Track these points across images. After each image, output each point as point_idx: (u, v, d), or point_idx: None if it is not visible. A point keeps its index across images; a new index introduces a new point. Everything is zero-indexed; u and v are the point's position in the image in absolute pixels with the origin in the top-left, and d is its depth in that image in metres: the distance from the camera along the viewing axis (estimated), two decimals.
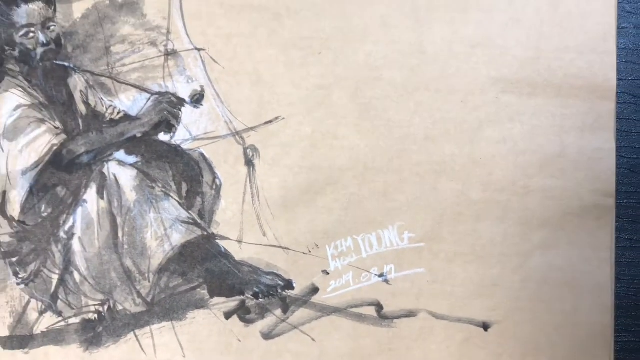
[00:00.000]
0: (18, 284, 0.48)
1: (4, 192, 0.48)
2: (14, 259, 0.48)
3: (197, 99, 0.49)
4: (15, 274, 0.48)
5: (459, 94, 0.49)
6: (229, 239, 0.49)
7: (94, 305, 0.49)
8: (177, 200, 0.49)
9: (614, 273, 0.50)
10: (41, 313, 0.48)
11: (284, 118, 0.49)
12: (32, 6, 0.49)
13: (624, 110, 0.52)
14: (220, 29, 0.49)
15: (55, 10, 0.50)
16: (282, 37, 0.49)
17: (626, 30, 0.52)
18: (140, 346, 0.48)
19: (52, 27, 0.49)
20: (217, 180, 0.49)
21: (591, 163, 0.49)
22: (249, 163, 0.49)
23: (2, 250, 0.48)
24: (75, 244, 0.48)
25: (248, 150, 0.49)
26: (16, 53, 0.49)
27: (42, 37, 0.49)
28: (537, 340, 0.49)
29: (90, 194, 0.48)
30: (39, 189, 0.48)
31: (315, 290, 0.49)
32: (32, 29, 0.49)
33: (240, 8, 0.49)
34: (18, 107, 0.49)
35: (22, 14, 0.49)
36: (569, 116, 0.49)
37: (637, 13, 0.52)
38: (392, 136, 0.49)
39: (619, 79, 0.52)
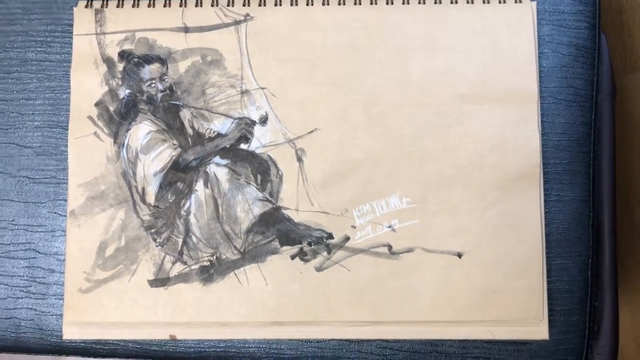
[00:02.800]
0: (156, 246, 0.60)
1: (143, 188, 0.60)
2: (152, 230, 0.60)
3: (264, 121, 0.60)
4: (154, 239, 0.60)
5: (433, 107, 0.61)
6: (290, 208, 0.60)
7: (207, 256, 0.60)
8: (255, 187, 0.60)
9: (544, 217, 0.61)
10: (173, 263, 0.60)
11: (320, 129, 0.60)
12: (152, 66, 0.61)
13: (549, 107, 0.64)
14: (275, 74, 0.61)
15: (167, 68, 0.61)
16: (316, 78, 0.61)
17: (546, 54, 0.65)
18: (238, 280, 0.60)
19: (166, 79, 0.61)
20: (279, 172, 0.60)
21: (524, 146, 0.61)
22: (299, 160, 0.60)
23: (145, 225, 0.60)
24: (192, 218, 0.60)
25: (298, 151, 0.60)
26: (144, 97, 0.61)
27: (160, 86, 0.61)
28: (494, 263, 0.60)
29: (199, 186, 0.60)
30: (165, 185, 0.60)
31: (347, 238, 0.60)
32: (153, 81, 0.61)
33: (287, 60, 0.61)
34: (149, 132, 0.61)
35: (146, 72, 0.61)
36: (507, 115, 0.61)
37: (553, 42, 0.65)
38: (392, 137, 0.60)
39: (544, 87, 0.64)
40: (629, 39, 0.95)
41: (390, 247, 0.60)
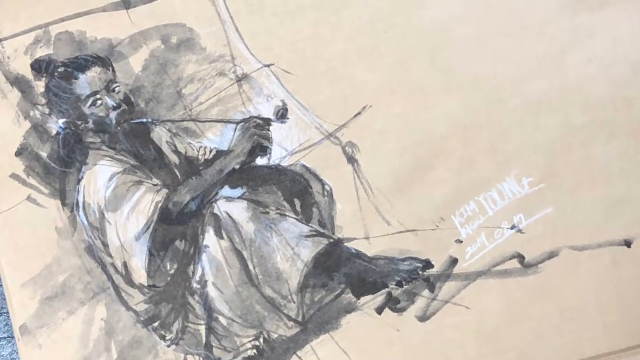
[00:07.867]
0: (168, 346, 0.51)
1: (125, 263, 0.50)
2: (156, 324, 0.51)
3: (282, 114, 0.52)
4: (162, 337, 0.51)
5: (533, 30, 0.51)
6: (356, 238, 0.52)
7: (249, 341, 0.51)
8: (294, 218, 0.52)
9: None
10: None
11: (371, 106, 0.51)
12: (90, 73, 0.51)
13: None
14: (283, 39, 0.51)
15: (114, 71, 0.52)
16: (344, 29, 0.51)
17: None
18: None
19: (116, 89, 0.51)
20: (326, 186, 0.52)
21: None
22: (351, 160, 0.51)
23: (142, 319, 0.51)
24: (211, 290, 0.50)
25: (346, 148, 0.52)
26: (90, 125, 0.52)
27: (110, 101, 0.51)
28: None
29: (210, 238, 0.51)
30: (157, 249, 0.51)
31: (454, 261, 0.51)
32: (97, 96, 0.52)
33: (295, 11, 0.51)
34: (112, 176, 0.51)
35: (83, 84, 0.51)
36: None
37: None
38: (482, 90, 0.51)
39: None
40: None
41: (521, 257, 0.52)
